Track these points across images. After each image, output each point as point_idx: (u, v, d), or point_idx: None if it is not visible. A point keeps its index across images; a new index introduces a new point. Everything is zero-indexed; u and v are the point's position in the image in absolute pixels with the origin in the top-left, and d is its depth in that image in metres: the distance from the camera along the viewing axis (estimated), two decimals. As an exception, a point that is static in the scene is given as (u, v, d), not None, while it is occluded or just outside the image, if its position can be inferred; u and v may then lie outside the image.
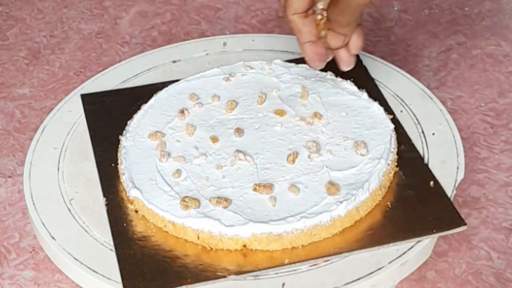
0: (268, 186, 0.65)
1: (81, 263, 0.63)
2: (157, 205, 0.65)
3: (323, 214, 0.63)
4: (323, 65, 0.71)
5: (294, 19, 0.68)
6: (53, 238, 0.65)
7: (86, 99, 0.78)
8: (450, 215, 0.65)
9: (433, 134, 0.73)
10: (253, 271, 0.62)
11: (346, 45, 0.70)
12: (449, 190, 0.67)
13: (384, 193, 0.67)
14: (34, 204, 0.68)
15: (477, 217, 0.74)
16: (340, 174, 0.66)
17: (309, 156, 0.68)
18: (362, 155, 0.68)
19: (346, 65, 0.72)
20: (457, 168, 0.69)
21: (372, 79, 0.79)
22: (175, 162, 0.68)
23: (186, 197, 0.64)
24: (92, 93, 0.79)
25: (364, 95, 0.74)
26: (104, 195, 0.68)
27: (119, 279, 0.61)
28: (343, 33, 0.68)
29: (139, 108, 0.74)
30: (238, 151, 0.68)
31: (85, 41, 0.98)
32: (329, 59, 0.72)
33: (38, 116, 0.87)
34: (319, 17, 0.68)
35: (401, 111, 0.75)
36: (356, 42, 0.69)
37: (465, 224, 0.65)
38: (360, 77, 0.78)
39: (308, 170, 0.67)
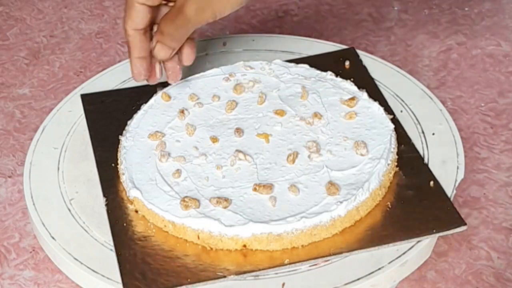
0: (268, 186, 0.65)
1: (81, 263, 0.63)
2: (157, 205, 0.65)
3: (323, 214, 0.63)
4: (146, 78, 0.72)
5: (133, 33, 0.69)
6: (53, 238, 0.65)
7: (86, 99, 0.78)
8: (450, 215, 0.65)
9: (433, 134, 0.73)
10: (253, 271, 0.62)
11: (173, 57, 0.72)
12: (449, 190, 0.67)
13: (384, 193, 0.67)
14: (34, 204, 0.68)
15: (477, 217, 0.74)
16: (340, 174, 0.66)
17: (309, 156, 0.68)
18: (362, 155, 0.68)
19: (174, 78, 0.73)
20: (457, 168, 0.69)
21: (372, 79, 0.79)
22: (175, 162, 0.68)
23: (186, 197, 0.64)
24: (92, 93, 0.79)
25: (364, 95, 0.74)
26: (104, 195, 0.68)
27: (119, 279, 0.61)
28: (171, 46, 0.69)
29: (139, 108, 0.74)
30: (238, 151, 0.68)
31: (85, 41, 0.98)
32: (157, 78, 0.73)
33: (38, 116, 0.87)
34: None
35: (401, 111, 0.75)
36: (189, 55, 0.72)
37: (465, 224, 0.65)
38: (360, 77, 0.78)
39: (308, 170, 0.67)
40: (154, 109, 0.73)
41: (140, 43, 0.70)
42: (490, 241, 0.72)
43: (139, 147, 0.70)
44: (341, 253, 0.63)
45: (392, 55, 0.93)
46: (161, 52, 0.69)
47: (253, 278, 0.62)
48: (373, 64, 0.81)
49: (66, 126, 0.75)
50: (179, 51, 0.71)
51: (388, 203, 0.66)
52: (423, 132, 0.73)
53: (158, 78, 0.73)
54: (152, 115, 0.73)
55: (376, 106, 0.73)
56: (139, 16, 0.69)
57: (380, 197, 0.66)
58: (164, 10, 0.71)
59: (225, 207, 0.64)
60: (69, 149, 0.73)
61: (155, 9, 0.70)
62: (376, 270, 0.62)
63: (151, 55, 0.71)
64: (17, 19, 1.02)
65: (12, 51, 0.97)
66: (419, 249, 0.63)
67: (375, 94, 0.76)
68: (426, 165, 0.70)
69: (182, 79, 0.76)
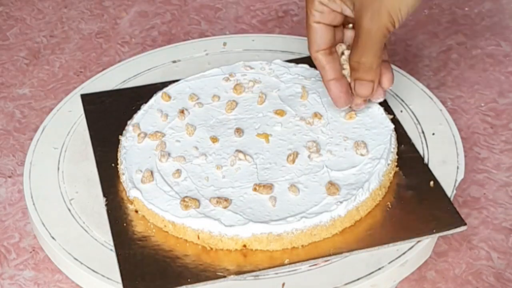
0: (268, 186, 0.65)
1: (81, 263, 0.63)
2: (157, 205, 0.65)
3: (323, 214, 0.63)
4: (349, 104, 0.69)
5: (318, 56, 0.67)
6: (53, 238, 0.65)
7: (86, 99, 0.78)
8: (450, 215, 0.65)
9: (433, 134, 0.73)
10: (253, 271, 0.62)
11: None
12: (449, 190, 0.67)
13: (384, 193, 0.67)
14: (34, 204, 0.68)
15: (477, 217, 0.74)
16: (340, 174, 0.66)
17: (309, 156, 0.68)
18: (362, 155, 0.68)
19: (381, 98, 0.69)
20: (457, 168, 0.69)
21: (372, 79, 0.79)
22: (175, 162, 0.68)
23: (186, 197, 0.64)
24: (92, 93, 0.79)
25: (364, 95, 0.74)
26: (104, 195, 0.68)
27: (119, 279, 0.61)
28: (370, 79, 0.66)
29: (139, 108, 0.74)
30: (238, 151, 0.68)
31: (85, 41, 0.98)
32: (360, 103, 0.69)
33: (38, 116, 0.87)
34: (343, 57, 0.67)
35: (401, 111, 0.75)
36: (387, 78, 0.67)
37: (465, 224, 0.65)
38: (360, 77, 0.78)
39: (308, 170, 0.67)
40: (154, 109, 0.73)
41: (328, 64, 0.67)
42: (490, 241, 0.72)
43: (139, 147, 0.70)
44: (341, 253, 0.63)
45: (392, 55, 0.93)
46: (362, 89, 0.67)
47: (253, 278, 0.62)
48: (373, 64, 0.81)
49: (66, 126, 0.75)
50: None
51: (388, 203, 0.66)
52: (423, 132, 0.73)
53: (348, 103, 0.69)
54: (152, 115, 0.73)
55: (376, 106, 0.72)
56: (318, 36, 0.66)
57: (380, 197, 0.66)
58: (349, 33, 0.68)
59: (225, 207, 0.64)
60: (69, 149, 0.73)
61: (337, 30, 0.67)
62: (376, 270, 0.62)
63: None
64: (17, 19, 1.02)
65: (12, 51, 0.97)
66: (419, 249, 0.63)
67: (375, 94, 0.76)
68: (426, 165, 0.70)
69: (181, 79, 0.76)
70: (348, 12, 0.65)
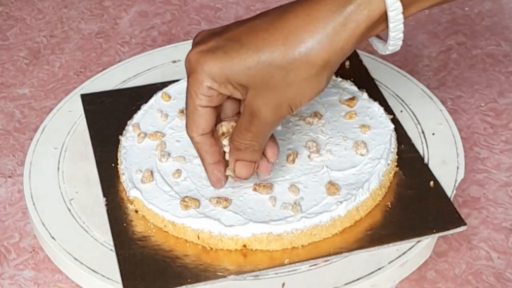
0: (268, 186, 0.65)
1: (81, 263, 0.63)
2: (157, 205, 0.65)
3: (323, 214, 0.63)
4: (226, 183, 0.65)
5: (201, 140, 0.62)
6: (53, 238, 0.65)
7: (86, 99, 0.78)
8: (450, 215, 0.65)
9: (433, 134, 0.73)
10: (253, 271, 0.62)
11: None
12: (449, 190, 0.67)
13: (384, 193, 0.67)
14: (34, 204, 0.68)
15: (477, 217, 0.74)
16: (340, 174, 0.66)
17: (309, 156, 0.68)
18: (362, 155, 0.68)
19: (267, 174, 0.65)
20: (457, 168, 0.69)
21: (372, 79, 0.79)
22: (175, 162, 0.68)
23: (186, 197, 0.64)
24: (92, 93, 0.79)
25: (364, 95, 0.74)
26: (104, 195, 0.68)
27: (119, 279, 0.61)
28: (253, 160, 0.62)
29: (139, 108, 0.74)
30: (238, 151, 0.68)
31: (85, 41, 0.98)
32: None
33: (38, 116, 0.87)
34: (225, 140, 0.63)
35: (401, 111, 0.75)
36: (273, 151, 0.64)
37: (465, 224, 0.65)
38: (360, 77, 0.78)
39: (308, 170, 0.67)
40: (154, 109, 0.73)
41: (211, 147, 0.62)
42: (490, 241, 0.72)
43: (139, 147, 0.70)
44: (341, 253, 0.63)
45: (392, 55, 0.93)
46: (243, 171, 0.62)
47: (253, 278, 0.62)
48: (373, 64, 0.81)
49: (66, 126, 0.75)
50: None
51: (388, 203, 0.66)
52: (423, 132, 0.73)
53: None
54: (152, 115, 0.73)
55: (376, 106, 0.73)
56: (204, 120, 0.61)
57: (380, 197, 0.66)
58: (228, 104, 0.63)
59: (225, 207, 0.64)
60: (69, 149, 0.73)
61: (219, 107, 0.62)
62: (376, 270, 0.62)
63: (224, 157, 0.64)
64: (17, 19, 1.02)
65: (12, 51, 0.97)
66: (419, 249, 0.63)
67: (375, 94, 0.76)
68: (426, 165, 0.70)
69: (181, 79, 0.76)
70: (238, 95, 0.60)
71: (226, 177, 0.64)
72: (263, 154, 0.63)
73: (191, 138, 0.62)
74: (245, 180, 0.64)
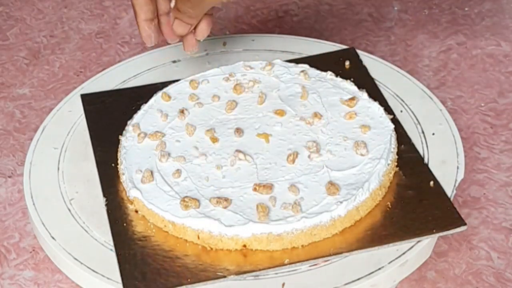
0: (268, 186, 0.65)
1: (81, 263, 0.63)
2: (157, 205, 0.65)
3: (323, 214, 0.63)
4: (156, 41, 0.73)
5: None
6: (53, 238, 0.65)
7: (86, 99, 0.78)
8: (450, 215, 0.65)
9: (433, 134, 0.73)
10: (253, 271, 0.62)
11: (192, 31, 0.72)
12: (449, 190, 0.67)
13: (384, 193, 0.67)
14: (34, 204, 0.68)
15: (477, 217, 0.74)
16: (340, 174, 0.66)
17: (309, 156, 0.68)
18: (362, 155, 0.68)
19: (191, 48, 0.74)
20: (457, 168, 0.69)
21: (372, 79, 0.79)
22: (175, 162, 0.68)
23: (186, 197, 0.64)
24: (92, 93, 0.79)
25: (364, 95, 0.74)
26: (104, 195, 0.68)
27: (119, 279, 0.61)
28: (189, 23, 0.71)
29: (139, 108, 0.74)
30: (238, 151, 0.68)
31: (85, 41, 0.98)
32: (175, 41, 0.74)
33: (38, 116, 0.87)
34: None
35: (401, 111, 0.75)
36: (203, 30, 0.72)
37: (465, 224, 0.65)
38: (360, 77, 0.78)
39: (308, 170, 0.67)
40: (154, 109, 0.73)
41: (146, 5, 0.70)
42: (490, 241, 0.72)
43: (139, 147, 0.70)
44: (341, 253, 0.63)
45: (392, 55, 0.93)
46: (179, 28, 0.71)
47: (253, 278, 0.62)
48: (373, 64, 0.81)
49: (66, 126, 0.75)
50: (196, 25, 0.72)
51: (388, 203, 0.66)
52: (423, 132, 0.73)
53: (176, 37, 0.73)
54: (152, 115, 0.73)
55: (376, 106, 0.73)
56: None
57: (380, 197, 0.66)
58: None
59: (225, 207, 0.64)
60: (69, 149, 0.73)
61: None
62: (376, 270, 0.62)
63: (158, 17, 0.71)
64: (17, 19, 1.02)
65: (12, 51, 0.97)
66: (419, 249, 0.63)
67: (375, 94, 0.76)
68: (426, 165, 0.70)
69: (181, 79, 0.76)
70: None
71: (157, 34, 0.72)
72: (195, 29, 0.72)
73: None
74: (179, 37, 0.72)
